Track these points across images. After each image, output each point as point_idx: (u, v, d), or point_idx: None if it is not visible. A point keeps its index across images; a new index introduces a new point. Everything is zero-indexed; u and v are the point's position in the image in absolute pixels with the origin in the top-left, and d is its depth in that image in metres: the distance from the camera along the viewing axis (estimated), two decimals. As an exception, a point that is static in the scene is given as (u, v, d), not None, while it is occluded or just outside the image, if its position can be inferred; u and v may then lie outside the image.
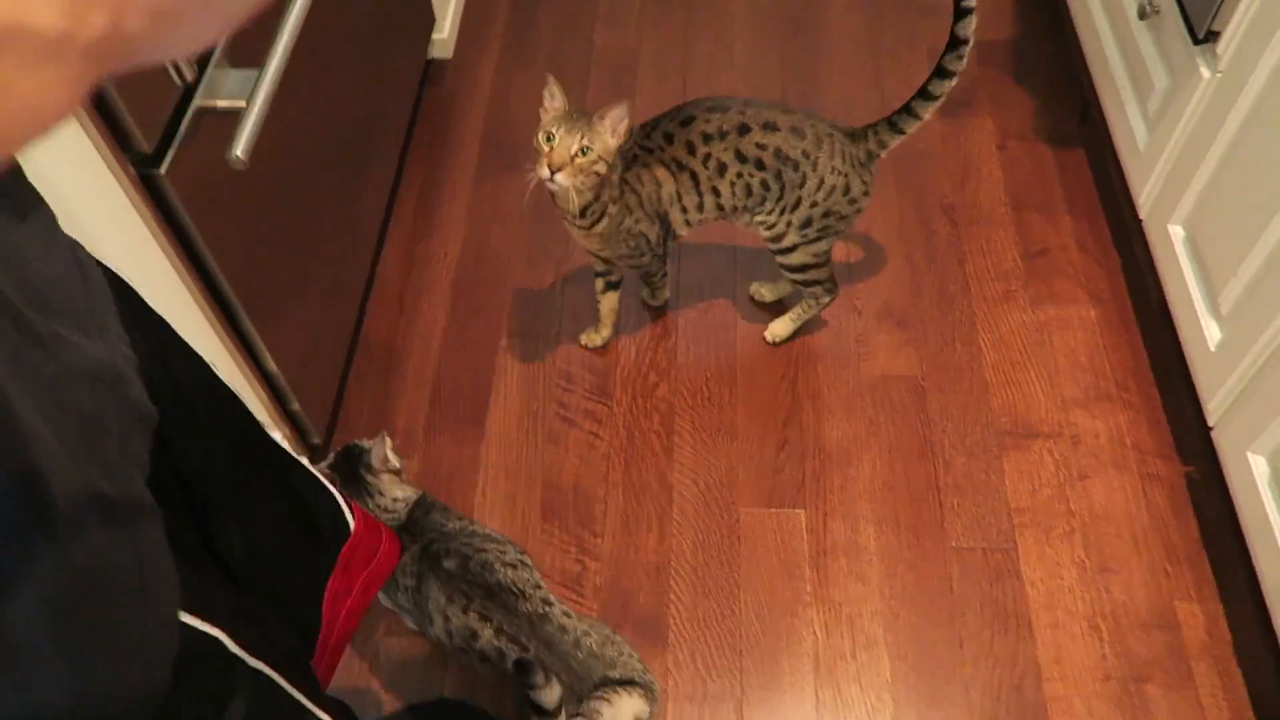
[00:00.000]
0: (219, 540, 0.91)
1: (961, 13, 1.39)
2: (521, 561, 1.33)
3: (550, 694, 1.17)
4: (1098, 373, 1.77)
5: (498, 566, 1.29)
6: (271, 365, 1.41)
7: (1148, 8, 1.67)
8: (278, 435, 1.16)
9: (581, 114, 1.41)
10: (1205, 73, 1.53)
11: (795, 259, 1.63)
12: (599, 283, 1.74)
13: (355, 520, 1.14)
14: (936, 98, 1.49)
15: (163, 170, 1.08)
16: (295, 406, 1.51)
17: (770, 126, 1.50)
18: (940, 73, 1.46)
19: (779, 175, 1.52)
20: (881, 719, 1.44)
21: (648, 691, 1.27)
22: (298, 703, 0.82)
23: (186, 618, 0.67)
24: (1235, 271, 1.44)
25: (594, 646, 1.27)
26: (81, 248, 0.65)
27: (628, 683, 1.25)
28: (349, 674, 1.48)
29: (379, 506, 1.34)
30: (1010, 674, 1.46)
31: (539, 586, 1.31)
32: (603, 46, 2.32)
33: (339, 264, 1.67)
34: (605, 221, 1.52)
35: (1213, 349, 1.50)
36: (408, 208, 2.04)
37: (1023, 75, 2.23)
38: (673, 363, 1.81)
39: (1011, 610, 1.52)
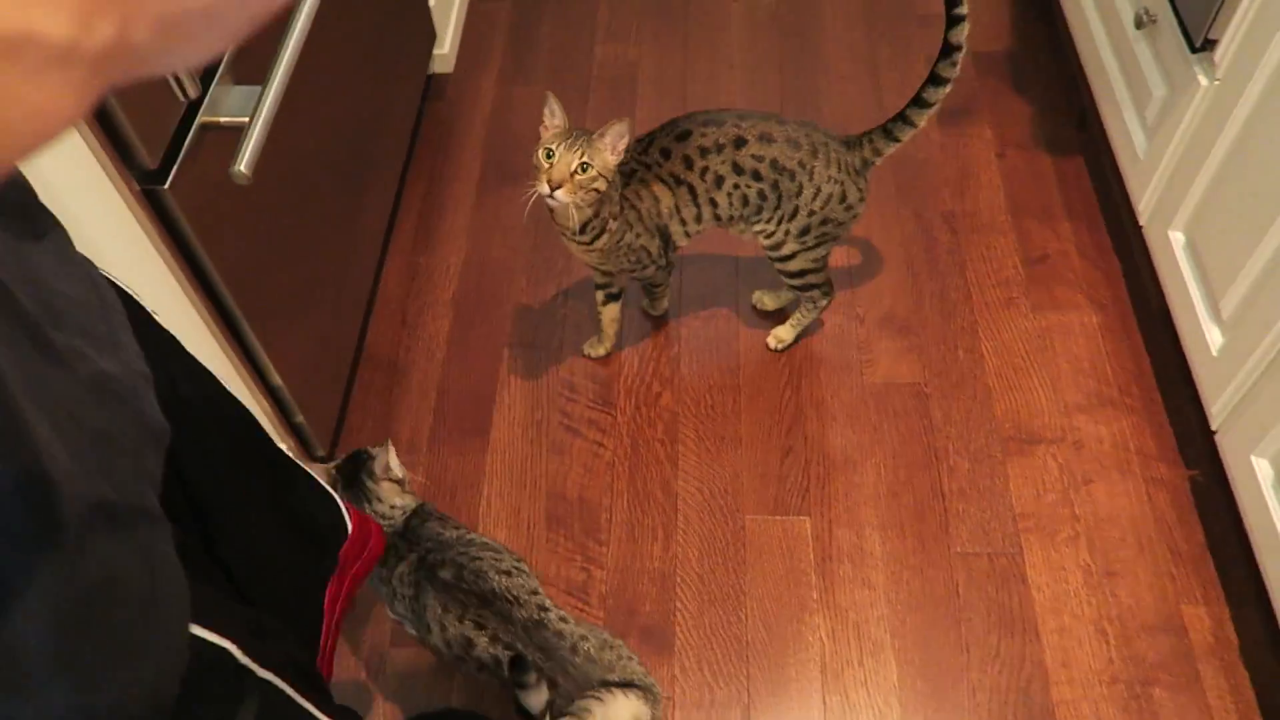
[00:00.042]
0: (222, 544, 0.92)
1: (954, 20, 1.41)
2: (517, 568, 1.33)
3: (537, 698, 1.16)
4: (1100, 378, 1.77)
5: (492, 574, 1.29)
6: (276, 379, 1.42)
7: (1145, 17, 1.68)
8: (284, 448, 1.16)
9: (581, 131, 1.42)
10: (1203, 80, 1.54)
11: (794, 265, 1.64)
12: (599, 295, 1.74)
13: (352, 522, 1.15)
14: (931, 105, 1.50)
15: (167, 186, 1.09)
16: (300, 419, 1.51)
17: (766, 138, 1.51)
18: (934, 80, 1.48)
19: (776, 185, 1.53)
20: (888, 725, 1.44)
21: (648, 694, 1.26)
22: (307, 712, 0.83)
23: (196, 629, 0.68)
24: (1236, 276, 1.45)
25: (591, 651, 1.27)
26: (95, 266, 0.66)
27: (626, 684, 1.25)
28: (358, 683, 1.48)
29: (375, 512, 1.34)
30: (1017, 678, 1.46)
31: (535, 592, 1.31)
32: (602, 60, 2.34)
33: (342, 277, 1.68)
34: (605, 238, 1.53)
35: (1215, 353, 1.50)
36: (409, 221, 2.05)
37: (1021, 85, 2.24)
38: (676, 371, 1.82)
39: (1018, 615, 1.52)
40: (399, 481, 1.37)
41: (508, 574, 1.30)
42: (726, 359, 1.83)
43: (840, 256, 1.96)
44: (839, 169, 1.54)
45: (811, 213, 1.55)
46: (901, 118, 1.53)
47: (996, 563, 1.57)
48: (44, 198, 0.64)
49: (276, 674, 0.78)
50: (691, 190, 1.53)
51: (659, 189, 1.53)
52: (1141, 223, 1.75)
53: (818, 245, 1.61)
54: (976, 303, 1.88)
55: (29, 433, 0.45)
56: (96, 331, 0.60)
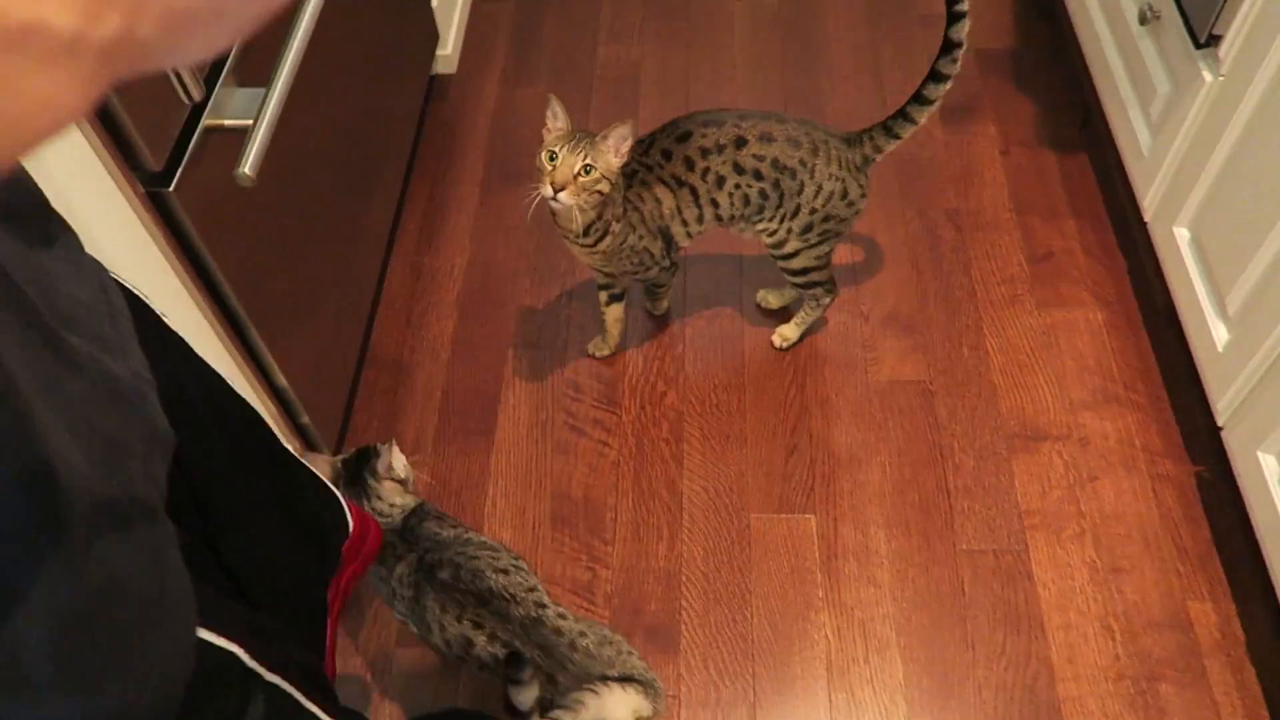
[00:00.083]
0: (227, 545, 0.92)
1: (955, 17, 1.41)
2: (514, 566, 1.33)
3: (527, 695, 1.16)
4: (1105, 375, 1.77)
5: (489, 573, 1.29)
6: (281, 380, 1.42)
7: (1149, 13, 1.67)
8: (289, 447, 1.16)
9: (585, 134, 1.42)
10: (1207, 77, 1.53)
11: (797, 263, 1.64)
12: (603, 295, 1.75)
13: (353, 519, 1.15)
14: (931, 102, 1.50)
15: (171, 189, 1.09)
16: (305, 420, 1.52)
17: (767, 138, 1.51)
18: (935, 77, 1.48)
19: (777, 184, 1.53)
20: (895, 723, 1.44)
21: (649, 689, 1.26)
22: (314, 716, 0.83)
23: (203, 633, 0.68)
24: (1241, 272, 1.44)
25: (590, 647, 1.26)
26: (106, 271, 0.66)
27: (625, 679, 1.25)
28: (363, 684, 1.49)
29: (374, 509, 1.35)
30: (1023, 675, 1.46)
31: (532, 590, 1.31)
32: (605, 61, 2.34)
33: (346, 278, 1.68)
34: (608, 240, 1.53)
35: (1220, 349, 1.50)
36: (414, 222, 2.06)
37: (1025, 82, 2.24)
38: (681, 371, 1.82)
39: (1023, 612, 1.52)
40: (401, 481, 1.37)
41: (504, 572, 1.30)
42: (731, 358, 1.83)
43: (845, 254, 1.96)
44: (840, 166, 1.54)
45: (813, 210, 1.55)
46: (902, 114, 1.53)
47: (1002, 560, 1.57)
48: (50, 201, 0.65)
49: (283, 677, 0.78)
50: (693, 191, 1.54)
51: (660, 191, 1.54)
52: (1146, 219, 1.75)
53: (820, 243, 1.61)
54: (981, 300, 1.88)
55: (36, 433, 0.45)
56: (106, 336, 0.60)
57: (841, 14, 2.41)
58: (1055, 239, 1.97)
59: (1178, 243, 1.63)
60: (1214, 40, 1.52)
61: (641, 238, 1.56)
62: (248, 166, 1.09)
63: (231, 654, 0.71)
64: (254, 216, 1.30)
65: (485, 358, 1.85)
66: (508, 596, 1.28)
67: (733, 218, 1.58)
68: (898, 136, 1.55)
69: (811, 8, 2.42)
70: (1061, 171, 2.07)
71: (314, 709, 0.83)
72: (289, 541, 1.11)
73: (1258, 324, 1.40)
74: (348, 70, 1.63)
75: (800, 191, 1.54)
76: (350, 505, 1.18)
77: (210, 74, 1.16)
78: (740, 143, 1.51)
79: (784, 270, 1.68)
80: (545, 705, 1.21)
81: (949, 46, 1.44)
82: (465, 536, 1.35)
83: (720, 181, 1.52)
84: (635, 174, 1.53)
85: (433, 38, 2.13)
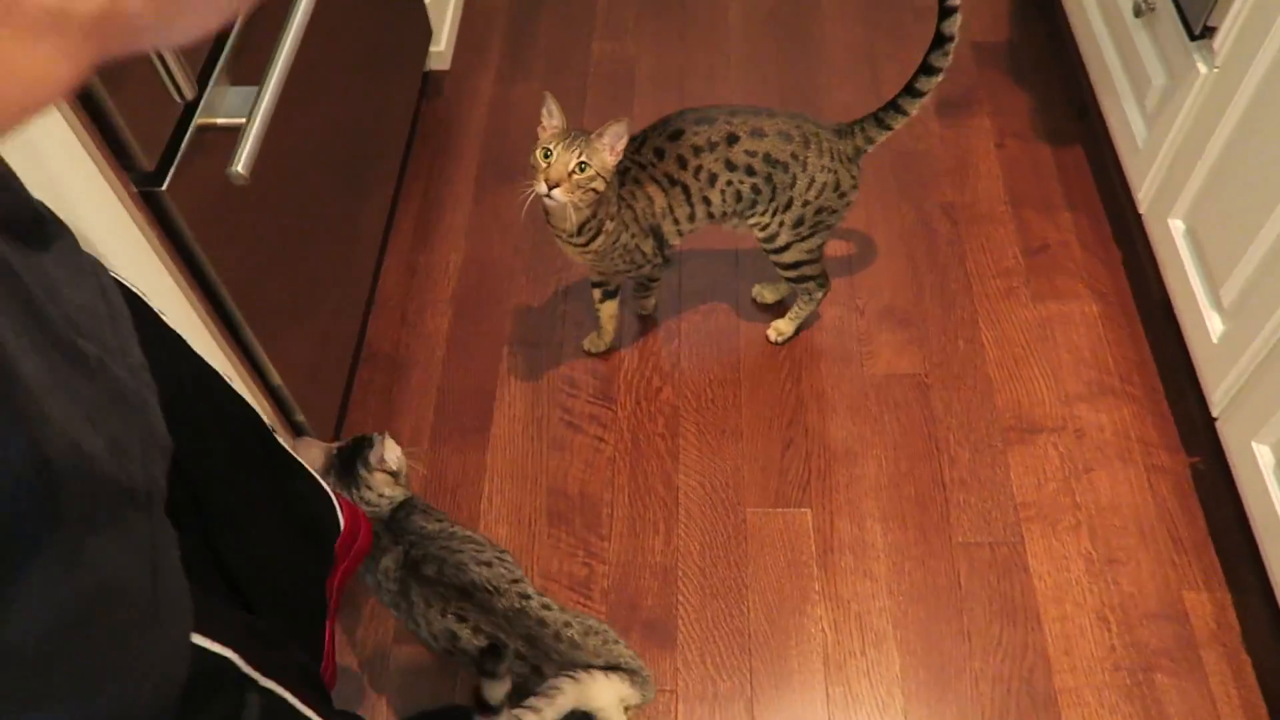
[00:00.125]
0: (226, 544, 0.92)
1: (946, 11, 1.41)
2: (499, 559, 1.33)
3: (499, 689, 1.15)
4: (1101, 367, 1.77)
5: (471, 566, 1.29)
6: (276, 378, 1.42)
7: (1143, 5, 1.67)
8: (285, 445, 1.17)
9: (580, 131, 1.42)
10: (1202, 68, 1.53)
11: (789, 257, 1.64)
12: (596, 293, 1.75)
13: (344, 515, 1.16)
14: (923, 94, 1.51)
15: (164, 188, 1.09)
16: (300, 419, 1.52)
17: (758, 133, 1.51)
18: (927, 69, 1.49)
19: (769, 179, 1.53)
20: (892, 714, 1.44)
21: (635, 676, 1.25)
22: None
23: (198, 639, 0.68)
24: (1236, 263, 1.44)
25: (575, 637, 1.26)
26: (105, 271, 0.66)
27: (611, 667, 1.24)
28: (360, 681, 1.49)
29: (362, 499, 1.35)
30: (1020, 667, 1.47)
31: (516, 581, 1.30)
32: (600, 57, 2.34)
33: (341, 276, 1.68)
34: (601, 239, 1.53)
35: (1215, 341, 1.50)
36: (408, 219, 2.06)
37: (1020, 75, 2.24)
38: (676, 366, 1.82)
39: (1020, 604, 1.52)
40: (393, 474, 1.37)
41: (488, 565, 1.30)
42: (727, 352, 1.83)
43: (840, 248, 1.96)
44: (831, 158, 1.54)
45: (806, 203, 1.55)
46: (894, 106, 1.54)
47: (998, 552, 1.57)
48: (42, 200, 0.64)
49: (279, 682, 0.78)
50: (685, 190, 1.53)
51: (653, 189, 1.53)
52: (1141, 211, 1.75)
53: (812, 235, 1.61)
54: (977, 293, 1.88)
55: (35, 428, 0.45)
56: (107, 340, 0.60)
57: (836, 8, 2.40)
58: (1050, 231, 1.97)
59: (1173, 235, 1.63)
60: (1209, 32, 1.51)
61: (634, 236, 1.56)
62: (241, 165, 1.09)
63: (226, 659, 0.71)
64: (247, 215, 1.30)
65: (481, 355, 1.85)
66: (491, 589, 1.28)
67: (725, 214, 1.58)
68: (889, 127, 1.55)
69: (806, 2, 2.42)
70: (1057, 164, 2.07)
71: (309, 713, 0.83)
72: (288, 540, 1.11)
73: (1252, 315, 1.40)
74: (341, 68, 1.63)
75: (793, 185, 1.54)
76: (341, 502, 1.18)
77: (203, 72, 1.16)
78: (732, 139, 1.51)
79: (776, 264, 1.68)
80: (522, 695, 1.20)
81: (941, 40, 1.45)
82: (450, 530, 1.35)
83: (712, 179, 1.52)
84: (627, 171, 1.52)
85: (426, 34, 2.13)
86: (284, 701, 0.79)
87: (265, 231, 1.37)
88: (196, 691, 0.61)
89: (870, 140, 1.56)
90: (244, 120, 1.13)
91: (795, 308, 1.79)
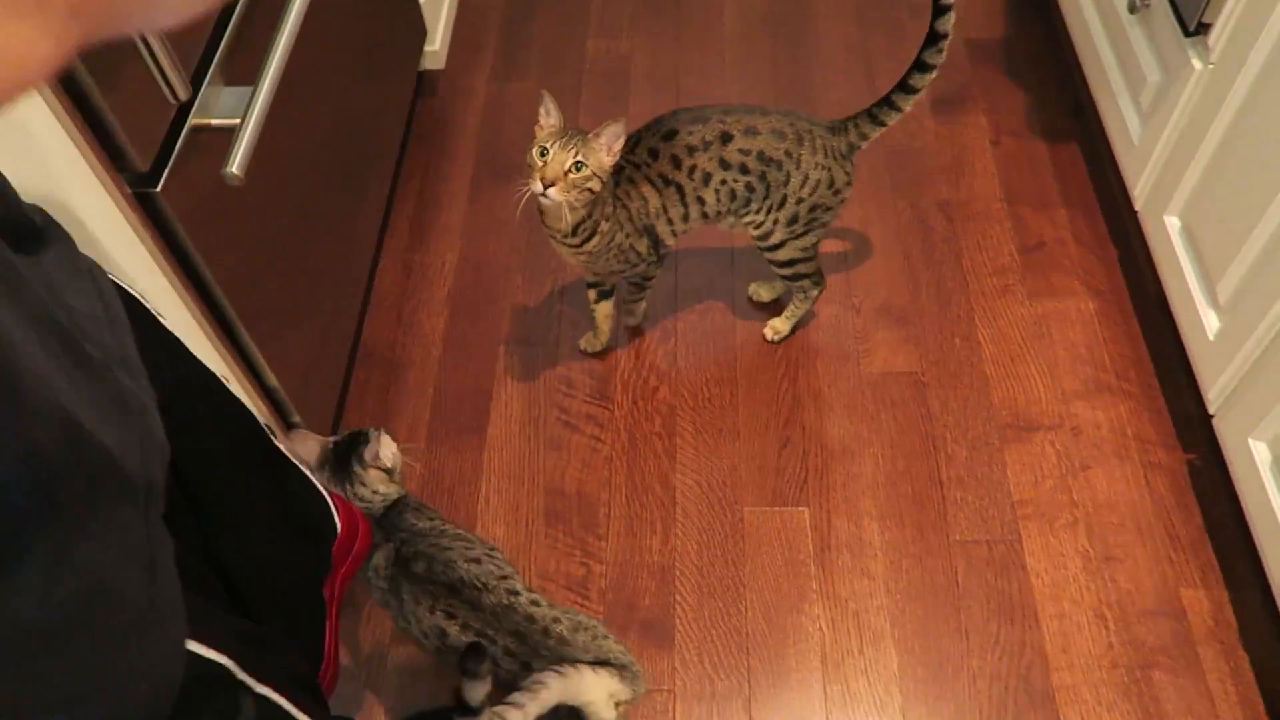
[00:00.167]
0: (224, 546, 0.92)
1: (940, 9, 1.41)
2: (488, 556, 1.33)
3: (479, 690, 1.14)
4: (1097, 364, 1.77)
5: (460, 563, 1.29)
6: (272, 379, 1.42)
7: (1138, 2, 1.67)
8: (281, 446, 1.16)
9: (577, 131, 1.41)
10: (1197, 65, 1.53)
11: (783, 255, 1.64)
12: (591, 293, 1.74)
13: (340, 519, 1.15)
14: (916, 90, 1.51)
15: (159, 189, 1.09)
16: (297, 420, 1.51)
17: (751, 131, 1.51)
18: (920, 66, 1.49)
19: (764, 177, 1.53)
20: (890, 712, 1.44)
21: (625, 672, 1.25)
22: None
23: (193, 645, 0.68)
24: (1232, 260, 1.45)
25: (564, 633, 1.26)
26: (103, 274, 0.65)
27: (601, 662, 1.24)
28: (357, 682, 1.49)
29: (356, 495, 1.35)
30: (1017, 664, 1.47)
31: (504, 578, 1.30)
32: (595, 55, 2.33)
33: (337, 277, 1.68)
34: (596, 239, 1.53)
35: (1211, 338, 1.50)
36: (404, 219, 2.05)
37: (1016, 72, 2.24)
38: (673, 365, 1.82)
39: (1017, 601, 1.52)
40: (388, 471, 1.37)
41: (476, 561, 1.30)
42: (723, 352, 1.83)
43: (836, 246, 1.96)
44: (825, 155, 1.54)
45: (800, 200, 1.55)
46: (887, 102, 1.54)
47: (995, 550, 1.57)
48: (35, 203, 0.64)
49: (274, 688, 0.78)
50: (679, 190, 1.53)
51: (647, 189, 1.53)
52: (1137, 208, 1.75)
53: (806, 233, 1.61)
54: (973, 291, 1.89)
55: (38, 423, 0.45)
56: (107, 344, 0.60)
57: (831, 6, 2.40)
58: (1046, 229, 1.97)
59: (1169, 231, 1.63)
60: (1203, 28, 1.52)
61: (628, 236, 1.56)
62: (235, 166, 1.09)
63: (221, 665, 0.71)
64: (242, 216, 1.30)
65: (477, 354, 1.85)
66: (479, 585, 1.28)
67: (719, 213, 1.58)
68: (883, 124, 1.55)
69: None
70: (1052, 161, 2.07)
71: (303, 718, 0.83)
72: (287, 541, 1.11)
73: (1248, 312, 1.40)
74: (335, 68, 1.62)
75: (787, 182, 1.53)
76: (338, 504, 1.18)
77: (197, 73, 1.15)
78: (725, 138, 1.50)
79: (771, 262, 1.68)
80: (510, 692, 1.20)
81: (934, 37, 1.45)
82: (441, 528, 1.35)
83: (707, 178, 1.52)
84: (622, 171, 1.52)
85: (420, 33, 2.13)
86: (278, 707, 0.79)
87: (260, 232, 1.37)
88: (191, 697, 0.60)
89: (864, 136, 1.56)
90: (238, 121, 1.12)
91: (791, 306, 1.79)
